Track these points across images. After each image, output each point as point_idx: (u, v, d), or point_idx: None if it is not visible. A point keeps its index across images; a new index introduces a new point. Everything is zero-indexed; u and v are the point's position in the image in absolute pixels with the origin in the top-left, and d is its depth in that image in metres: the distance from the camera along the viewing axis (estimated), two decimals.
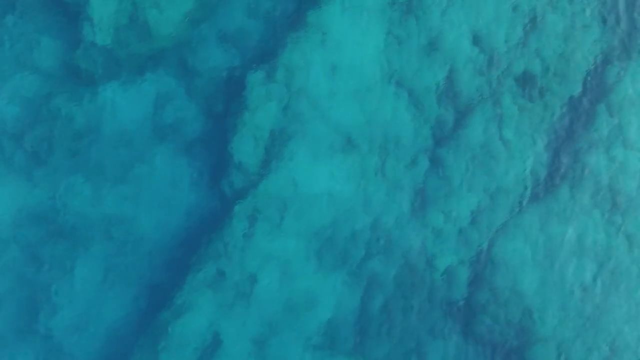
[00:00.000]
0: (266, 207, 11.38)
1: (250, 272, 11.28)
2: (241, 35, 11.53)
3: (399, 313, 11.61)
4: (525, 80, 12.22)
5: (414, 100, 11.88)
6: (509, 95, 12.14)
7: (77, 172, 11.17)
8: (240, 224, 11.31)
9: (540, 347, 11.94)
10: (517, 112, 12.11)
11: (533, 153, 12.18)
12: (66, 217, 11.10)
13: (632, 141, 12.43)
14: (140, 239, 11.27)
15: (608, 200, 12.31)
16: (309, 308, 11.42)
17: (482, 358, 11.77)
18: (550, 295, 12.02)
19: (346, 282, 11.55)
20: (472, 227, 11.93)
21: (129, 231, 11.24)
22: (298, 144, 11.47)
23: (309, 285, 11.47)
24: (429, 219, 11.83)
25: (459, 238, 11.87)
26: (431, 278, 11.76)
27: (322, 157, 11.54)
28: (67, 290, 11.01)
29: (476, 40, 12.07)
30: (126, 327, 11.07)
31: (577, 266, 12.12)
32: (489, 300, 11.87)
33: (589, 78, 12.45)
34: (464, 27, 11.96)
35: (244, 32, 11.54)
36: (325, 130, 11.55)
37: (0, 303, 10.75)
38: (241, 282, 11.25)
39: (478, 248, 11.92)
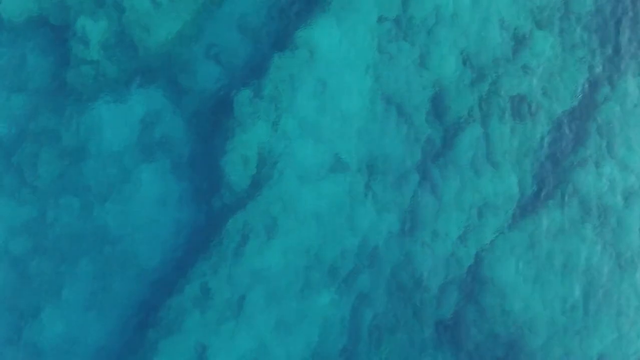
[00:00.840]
0: (255, 225, 11.36)
1: (239, 290, 11.26)
2: (230, 52, 11.49)
3: (388, 330, 11.59)
4: (513, 98, 12.23)
5: (403, 118, 11.86)
6: (498, 112, 12.14)
7: (66, 189, 11.12)
8: (229, 242, 11.29)
9: None
10: (505, 129, 12.11)
11: (522, 170, 12.18)
12: (55, 235, 11.06)
13: (621, 159, 12.45)
14: (129, 257, 11.23)
15: (596, 218, 12.32)
16: (298, 325, 11.40)
17: None
18: (538, 312, 12.03)
19: (335, 299, 11.53)
20: (461, 245, 11.93)
21: (117, 249, 11.20)
22: (287, 162, 11.45)
23: (298, 302, 11.45)
24: (418, 236, 11.81)
25: (447, 255, 11.87)
26: (420, 295, 11.75)
27: (311, 175, 11.52)
28: (55, 307, 10.96)
29: (465, 58, 12.07)
30: (114, 344, 11.02)
31: (565, 283, 12.14)
32: (478, 316, 11.88)
33: (578, 96, 12.48)
34: (452, 45, 11.96)
35: (233, 49, 11.50)
36: (314, 149, 11.54)
37: None
38: (230, 300, 11.23)
39: (467, 265, 11.93)
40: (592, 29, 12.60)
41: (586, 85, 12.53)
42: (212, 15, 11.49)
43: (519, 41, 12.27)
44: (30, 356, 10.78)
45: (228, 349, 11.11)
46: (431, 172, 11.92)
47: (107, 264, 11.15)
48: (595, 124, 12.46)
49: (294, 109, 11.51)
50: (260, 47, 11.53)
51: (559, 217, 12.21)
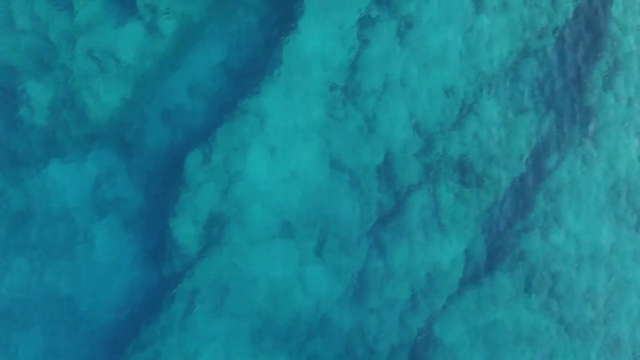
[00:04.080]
0: (205, 289, 11.29)
1: (189, 355, 11.18)
2: (181, 116, 11.53)
3: None
4: (461, 164, 12.25)
5: (353, 183, 11.87)
6: (446, 179, 12.15)
7: (16, 251, 11.08)
8: (179, 306, 11.22)
9: None
10: (453, 196, 12.12)
11: (470, 237, 12.17)
12: (5, 297, 10.98)
13: (570, 227, 12.46)
14: (80, 319, 11.16)
15: (544, 286, 12.30)
16: None
17: None
18: None
19: None
20: (411, 310, 11.88)
21: (68, 310, 11.13)
22: (237, 227, 11.42)
23: None
24: (368, 301, 11.77)
25: (398, 321, 11.82)
26: None
27: (260, 240, 11.49)
28: None
29: (412, 124, 12.11)
30: None
31: (514, 350, 12.09)
32: None
33: (526, 163, 12.51)
34: (400, 112, 12.01)
35: (183, 112, 11.53)
36: (264, 214, 11.52)
37: None
38: None
39: (417, 331, 11.87)
40: (541, 95, 12.67)
41: (534, 152, 12.58)
42: (163, 78, 11.52)
43: (467, 107, 12.33)
44: None
45: None
46: (381, 237, 11.91)
47: (58, 326, 11.07)
48: (543, 191, 12.48)
49: (243, 173, 11.51)
50: (212, 111, 11.57)
51: (507, 283, 12.19)
